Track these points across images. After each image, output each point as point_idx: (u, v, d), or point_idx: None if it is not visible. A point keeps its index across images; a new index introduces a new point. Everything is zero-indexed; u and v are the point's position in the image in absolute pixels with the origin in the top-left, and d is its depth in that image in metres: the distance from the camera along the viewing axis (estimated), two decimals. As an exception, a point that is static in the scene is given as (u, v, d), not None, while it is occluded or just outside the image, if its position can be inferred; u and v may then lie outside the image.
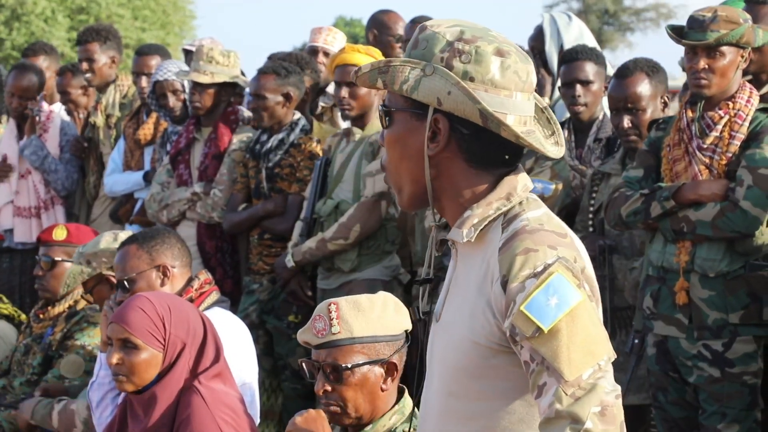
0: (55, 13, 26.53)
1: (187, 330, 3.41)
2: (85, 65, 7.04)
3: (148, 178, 6.63)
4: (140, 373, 3.36)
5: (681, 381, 4.48)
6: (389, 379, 3.20)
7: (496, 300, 2.13)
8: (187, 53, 7.65)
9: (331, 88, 6.35)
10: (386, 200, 5.48)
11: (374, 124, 5.55)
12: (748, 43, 4.36)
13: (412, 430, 2.99)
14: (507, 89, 2.17)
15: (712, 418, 4.40)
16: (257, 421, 3.73)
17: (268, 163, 5.83)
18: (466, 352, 2.17)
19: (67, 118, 7.32)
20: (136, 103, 6.98)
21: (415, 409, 2.58)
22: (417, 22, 6.79)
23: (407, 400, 3.25)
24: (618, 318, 4.83)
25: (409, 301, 5.41)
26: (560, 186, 4.90)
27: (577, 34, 5.91)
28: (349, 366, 3.16)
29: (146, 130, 6.78)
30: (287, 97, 5.78)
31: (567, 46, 5.74)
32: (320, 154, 5.76)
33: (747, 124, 4.38)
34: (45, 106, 7.20)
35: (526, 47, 6.16)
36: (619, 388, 2.09)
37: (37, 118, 7.07)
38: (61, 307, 4.92)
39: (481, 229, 2.19)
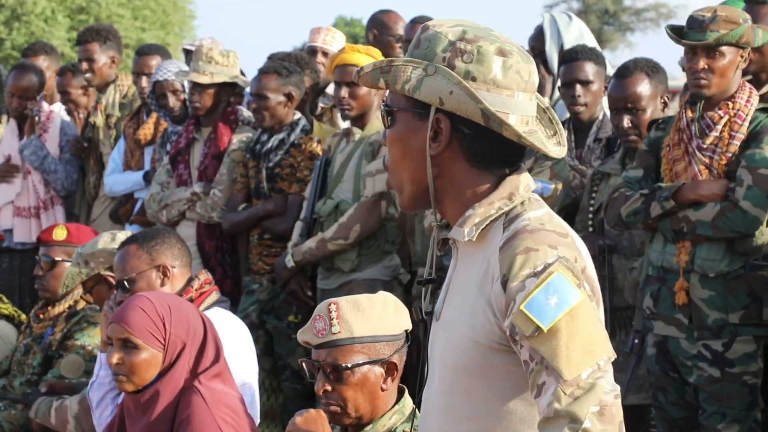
0: (55, 13, 26.54)
1: (187, 330, 3.41)
2: (84, 65, 7.04)
3: (148, 178, 6.63)
4: (140, 373, 3.36)
5: (681, 381, 4.48)
6: (389, 378, 3.20)
7: (496, 299, 2.13)
8: (188, 53, 7.66)
9: (330, 89, 6.35)
10: (386, 200, 5.48)
11: (374, 124, 5.55)
12: (747, 43, 4.36)
13: (412, 430, 2.99)
14: (509, 89, 2.17)
15: (712, 418, 4.40)
16: (257, 421, 3.73)
17: (268, 163, 5.83)
18: (467, 351, 2.18)
19: (67, 118, 7.32)
20: (136, 103, 6.98)
21: (416, 409, 2.58)
22: (417, 22, 6.79)
23: (407, 400, 3.25)
24: (618, 318, 4.83)
25: (409, 301, 5.41)
26: (560, 186, 4.90)
27: (578, 34, 5.91)
28: (349, 366, 3.16)
29: (146, 130, 6.79)
30: (289, 96, 5.78)
31: (567, 46, 5.74)
32: (320, 154, 5.76)
33: (747, 124, 4.38)
34: (45, 106, 7.20)
35: (527, 47, 6.16)
36: (618, 387, 2.09)
37: (37, 118, 7.07)
38: (61, 307, 4.92)
39: (483, 229, 2.19)
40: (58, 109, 7.34)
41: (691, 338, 4.42)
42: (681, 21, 4.53)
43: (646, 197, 4.46)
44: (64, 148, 7.15)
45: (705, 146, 4.41)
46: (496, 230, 2.19)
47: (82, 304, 4.88)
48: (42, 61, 7.54)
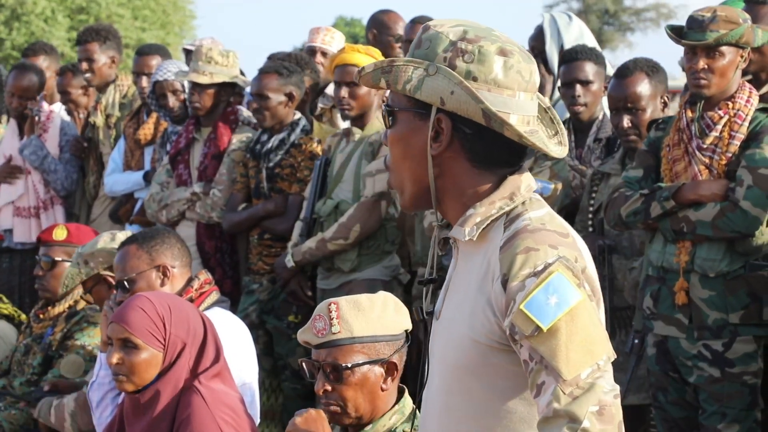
0: (55, 13, 26.53)
1: (188, 330, 3.41)
2: (84, 65, 7.05)
3: (148, 178, 6.63)
4: (140, 372, 3.36)
5: (681, 381, 4.48)
6: (389, 378, 3.20)
7: (496, 298, 2.13)
8: (188, 53, 7.66)
9: (329, 90, 6.35)
10: (386, 200, 5.48)
11: (374, 124, 5.55)
12: (747, 43, 4.36)
13: (412, 430, 2.99)
14: (510, 89, 2.17)
15: (712, 418, 4.40)
16: (257, 421, 3.73)
17: (268, 163, 5.83)
18: (466, 350, 2.18)
19: (67, 118, 7.32)
20: (136, 103, 6.98)
21: (416, 409, 2.58)
22: (417, 22, 6.79)
23: (407, 400, 3.25)
24: (618, 318, 4.83)
25: (409, 301, 5.41)
26: (559, 186, 4.90)
27: (578, 34, 5.91)
28: (349, 365, 3.16)
29: (146, 130, 6.79)
30: (290, 96, 5.78)
31: (567, 46, 5.74)
32: (321, 154, 5.76)
33: (747, 124, 4.38)
34: (45, 106, 7.20)
35: (527, 47, 6.15)
36: (617, 387, 2.09)
37: (37, 118, 7.07)
38: (61, 308, 4.92)
39: (484, 228, 2.19)
40: (58, 109, 7.34)
41: (691, 338, 4.42)
42: (681, 21, 4.53)
43: (646, 197, 4.46)
44: (64, 148, 7.15)
45: (705, 146, 4.41)
46: (497, 230, 2.19)
47: (82, 304, 4.88)
48: (42, 61, 7.54)
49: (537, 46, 6.03)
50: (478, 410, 2.19)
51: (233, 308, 5.10)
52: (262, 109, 5.77)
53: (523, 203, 2.20)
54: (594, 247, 4.70)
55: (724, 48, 4.34)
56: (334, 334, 3.18)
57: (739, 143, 4.37)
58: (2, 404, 4.83)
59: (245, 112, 6.21)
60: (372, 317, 3.20)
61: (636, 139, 4.78)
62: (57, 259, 4.94)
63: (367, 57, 5.47)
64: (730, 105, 4.40)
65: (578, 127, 5.26)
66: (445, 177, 2.22)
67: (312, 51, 7.01)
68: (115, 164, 6.90)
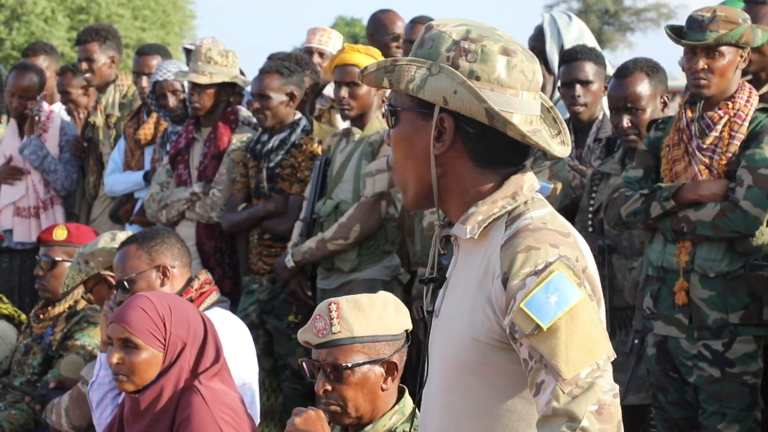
0: (55, 13, 26.53)
1: (188, 330, 3.41)
2: (84, 65, 7.05)
3: (148, 178, 6.64)
4: (140, 372, 3.36)
5: (681, 381, 4.49)
6: (389, 378, 3.20)
7: (496, 297, 2.13)
8: (188, 52, 7.65)
9: (327, 90, 6.35)
10: (386, 200, 5.48)
11: (374, 125, 5.55)
12: (747, 43, 4.36)
13: (412, 430, 2.99)
14: (513, 88, 2.18)
15: (712, 418, 4.40)
16: (257, 421, 3.73)
17: (269, 163, 5.83)
18: (466, 348, 2.18)
19: (67, 118, 7.32)
20: (136, 103, 6.98)
21: (416, 409, 2.59)
22: (417, 22, 6.79)
23: (407, 400, 3.25)
24: (618, 318, 4.83)
25: (409, 301, 5.41)
26: (559, 186, 4.89)
27: (578, 34, 5.91)
28: (350, 365, 3.16)
29: (146, 130, 6.79)
30: (291, 96, 5.79)
31: (567, 46, 5.73)
32: (321, 154, 5.76)
33: (746, 124, 4.38)
34: (45, 106, 7.21)
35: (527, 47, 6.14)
36: (617, 387, 2.09)
37: (37, 118, 7.07)
38: (61, 308, 4.92)
39: (485, 227, 2.19)
40: (58, 109, 7.35)
41: (691, 338, 4.42)
42: (681, 21, 4.53)
43: (646, 197, 4.46)
44: (64, 147, 7.15)
45: (705, 146, 4.41)
46: (498, 228, 2.19)
47: (82, 304, 4.88)
48: (42, 61, 7.55)
49: (537, 46, 6.03)
50: (478, 409, 2.19)
51: (233, 308, 5.10)
52: (263, 108, 5.77)
53: (525, 203, 2.21)
54: (594, 247, 4.70)
55: (723, 48, 4.34)
56: (335, 333, 3.18)
57: (739, 143, 4.37)
58: (2, 404, 4.83)
59: (244, 111, 6.21)
60: (372, 317, 3.20)
61: (636, 139, 4.78)
62: (57, 259, 4.94)
63: (367, 57, 5.47)
64: (730, 105, 4.40)
65: (578, 127, 5.26)
66: (448, 176, 2.22)
67: (309, 52, 7.01)
68: (115, 164, 6.90)
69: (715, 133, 4.40)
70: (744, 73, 4.53)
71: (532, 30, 6.19)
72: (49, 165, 7.02)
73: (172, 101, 6.39)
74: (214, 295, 4.10)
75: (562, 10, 15.48)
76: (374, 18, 7.25)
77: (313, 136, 5.87)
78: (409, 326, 3.29)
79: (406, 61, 2.19)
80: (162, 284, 3.99)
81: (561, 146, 2.26)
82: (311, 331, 3.22)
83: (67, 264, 4.82)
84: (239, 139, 6.06)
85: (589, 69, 5.17)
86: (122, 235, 4.40)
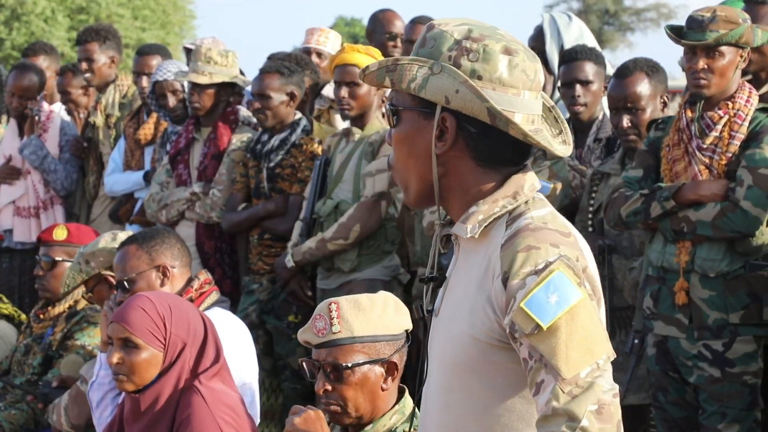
0: (55, 13, 26.53)
1: (188, 330, 3.41)
2: (84, 65, 7.05)
3: (148, 178, 6.64)
4: (141, 372, 3.36)
5: (681, 381, 4.49)
6: (389, 378, 3.20)
7: (496, 296, 2.13)
8: (189, 51, 7.65)
9: (326, 90, 6.36)
10: (386, 200, 5.48)
11: (373, 124, 5.55)
12: (747, 43, 4.36)
13: (412, 429, 2.99)
14: (515, 87, 2.18)
15: (712, 418, 4.40)
16: (257, 421, 3.73)
17: (269, 163, 5.83)
18: (466, 347, 2.18)
19: (67, 118, 7.33)
20: (136, 103, 6.98)
21: (416, 408, 2.59)
22: (417, 22, 6.79)
23: (408, 400, 3.25)
24: (618, 318, 4.83)
25: (409, 301, 5.41)
26: (559, 186, 4.89)
27: (577, 34, 5.91)
28: (350, 365, 3.16)
29: (146, 130, 6.79)
30: (291, 96, 5.79)
31: (567, 46, 5.73)
32: (321, 154, 5.76)
33: (746, 124, 4.38)
34: (45, 106, 7.21)
35: (526, 47, 6.13)
36: (617, 387, 2.09)
37: (37, 118, 7.07)
38: (61, 308, 4.92)
39: (486, 226, 2.19)
40: (58, 109, 7.35)
41: (692, 338, 4.42)
42: (681, 21, 4.53)
43: (646, 197, 4.46)
44: (63, 147, 7.15)
45: (705, 146, 4.41)
46: (499, 228, 2.19)
47: (82, 304, 4.88)
48: (42, 61, 7.55)
49: (537, 46, 6.02)
50: (478, 408, 2.19)
51: (233, 308, 5.10)
52: (263, 108, 5.77)
53: (526, 202, 2.21)
54: (594, 247, 4.70)
55: (723, 48, 4.34)
56: (335, 333, 3.18)
57: (739, 143, 4.37)
58: (2, 404, 4.83)
59: (243, 111, 6.21)
60: (372, 317, 3.20)
61: (636, 139, 4.78)
62: (57, 259, 4.94)
63: (367, 57, 5.47)
64: (730, 105, 4.40)
65: (578, 127, 5.25)
66: (450, 175, 2.22)
67: (307, 52, 7.01)
68: (115, 164, 6.90)
69: (715, 133, 4.40)
70: (744, 73, 4.53)
71: (532, 30, 6.19)
72: (49, 165, 7.02)
73: (172, 101, 6.39)
74: (214, 295, 4.10)
75: (562, 10, 15.48)
76: (373, 17, 7.27)
77: (314, 136, 5.87)
78: (410, 326, 3.29)
79: (408, 60, 2.19)
80: (162, 284, 3.99)
81: (562, 146, 2.26)
82: (311, 330, 3.22)
83: (67, 264, 4.82)
84: (239, 139, 6.05)
85: (589, 69, 5.17)
86: (123, 235, 4.40)
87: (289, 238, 5.72)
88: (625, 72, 4.80)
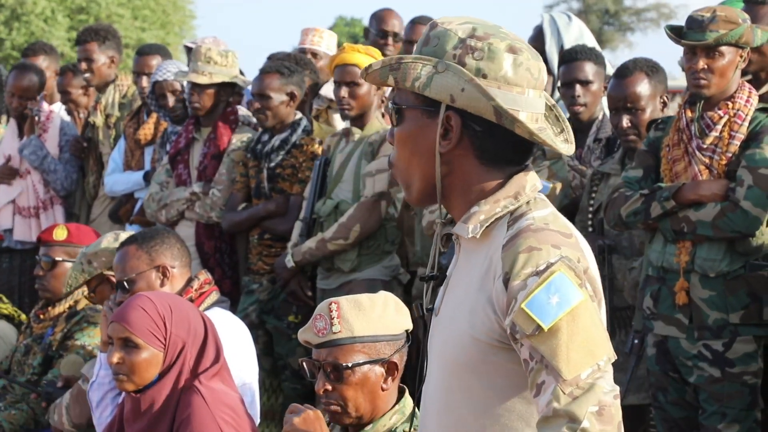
0: (55, 13, 26.53)
1: (188, 330, 3.41)
2: (84, 65, 7.05)
3: (148, 178, 6.64)
4: (141, 372, 3.36)
5: (681, 381, 4.49)
6: (390, 378, 3.20)
7: (497, 297, 2.13)
8: (189, 50, 7.66)
9: (324, 90, 6.36)
10: (386, 200, 5.48)
11: (373, 124, 5.55)
12: (747, 43, 4.36)
13: (412, 430, 2.99)
14: (519, 86, 2.18)
15: (712, 418, 4.40)
16: (257, 421, 3.73)
17: (269, 163, 5.83)
18: (466, 347, 2.18)
19: (67, 118, 7.33)
20: (136, 103, 6.98)
21: (416, 408, 2.59)
22: (417, 22, 6.80)
23: (408, 400, 3.25)
24: (618, 318, 4.83)
25: (408, 301, 5.41)
26: (558, 186, 4.89)
27: (577, 34, 5.91)
28: (350, 365, 3.16)
29: (146, 130, 6.79)
30: (291, 96, 5.79)
31: (567, 46, 5.73)
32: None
33: (746, 124, 4.38)
34: (45, 106, 7.21)
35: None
36: (617, 388, 2.09)
37: (37, 118, 7.08)
38: (61, 308, 4.92)
39: (487, 226, 2.19)
40: (58, 109, 7.35)
41: (692, 338, 4.42)
42: (681, 21, 4.53)
43: (646, 197, 4.46)
44: (63, 148, 7.15)
45: (705, 146, 4.41)
46: (500, 228, 2.19)
47: (82, 305, 4.88)
48: (42, 61, 7.55)
49: (537, 46, 6.01)
50: (477, 408, 2.19)
51: (233, 308, 5.10)
52: (263, 109, 5.77)
53: (528, 203, 2.21)
54: (594, 247, 4.70)
55: (723, 48, 4.34)
56: (335, 333, 3.18)
57: (739, 143, 4.37)
58: (2, 404, 4.83)
59: (243, 110, 6.21)
60: (373, 317, 3.20)
61: (635, 139, 4.78)
62: (57, 259, 4.94)
63: (367, 57, 5.47)
64: (730, 105, 4.40)
65: (578, 127, 5.25)
66: (454, 175, 2.22)
67: (303, 53, 7.01)
68: (115, 164, 6.90)
69: (715, 133, 4.40)
70: (744, 73, 4.53)
71: (531, 30, 6.19)
72: (49, 165, 7.02)
73: (171, 101, 6.40)
74: (214, 295, 4.10)
75: (562, 10, 15.49)
76: (373, 15, 7.28)
77: (314, 137, 5.87)
78: (410, 326, 3.29)
79: (412, 58, 2.19)
80: (162, 284, 3.99)
81: (565, 144, 2.26)
82: (311, 330, 3.22)
83: (67, 264, 4.82)
84: (239, 139, 6.06)
85: (589, 69, 5.17)
86: (125, 236, 4.40)
87: (289, 238, 5.72)
88: (625, 72, 4.80)
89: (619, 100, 4.79)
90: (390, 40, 7.04)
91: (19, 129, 7.17)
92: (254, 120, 6.03)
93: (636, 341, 4.64)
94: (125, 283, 3.98)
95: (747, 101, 4.40)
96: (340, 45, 6.14)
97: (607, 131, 5.20)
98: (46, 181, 7.08)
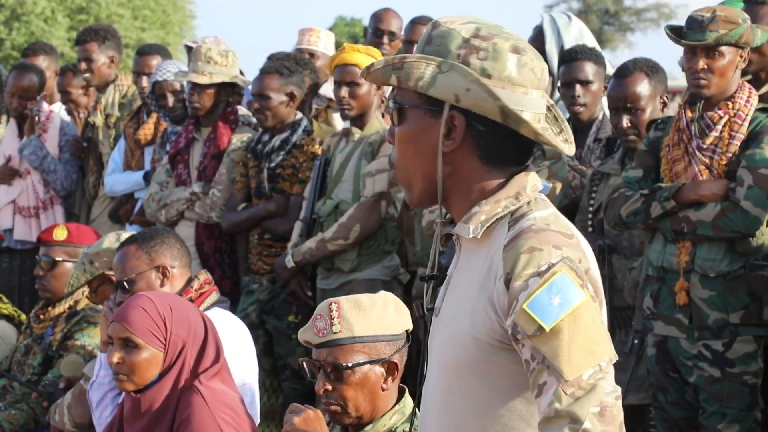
0: (55, 13, 26.53)
1: (188, 330, 3.41)
2: (83, 65, 7.05)
3: (148, 178, 6.64)
4: (141, 372, 3.36)
5: (681, 381, 4.49)
6: (390, 378, 3.21)
7: (498, 297, 2.13)
8: (190, 50, 7.65)
9: (323, 90, 6.36)
10: (386, 200, 5.48)
11: (373, 124, 5.55)
12: (747, 43, 4.36)
13: (412, 430, 2.99)
14: (523, 86, 2.17)
15: (712, 418, 4.40)
16: (257, 421, 3.73)
17: (270, 163, 5.83)
18: (467, 348, 2.18)
19: (67, 118, 7.33)
20: (136, 103, 6.99)
21: (416, 408, 2.59)
22: (417, 23, 6.80)
23: (408, 400, 3.26)
24: (618, 318, 4.83)
25: (408, 301, 5.41)
26: (558, 186, 4.89)
27: (577, 34, 5.91)
28: (350, 365, 3.16)
29: (146, 130, 6.79)
30: (291, 96, 5.79)
31: (567, 46, 5.73)
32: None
33: (746, 124, 4.38)
34: (45, 106, 7.21)
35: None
36: (619, 389, 2.08)
37: (37, 118, 7.08)
38: (61, 308, 4.92)
39: (488, 227, 2.19)
40: (58, 109, 7.35)
41: (692, 338, 4.42)
42: (681, 21, 4.54)
43: (647, 197, 4.46)
44: (63, 148, 7.15)
45: (705, 146, 4.41)
46: (501, 228, 2.19)
47: (82, 304, 4.88)
48: (42, 61, 7.55)
49: (537, 46, 6.01)
50: (478, 408, 2.19)
51: (233, 308, 5.10)
52: (263, 109, 5.77)
53: (529, 203, 2.20)
54: (594, 247, 4.70)
55: (723, 48, 4.34)
56: (335, 333, 3.18)
57: (739, 143, 4.37)
58: (2, 404, 4.83)
59: (242, 110, 6.21)
60: (373, 317, 3.20)
61: (635, 139, 4.78)
62: (57, 259, 4.94)
63: (367, 57, 5.47)
64: (730, 105, 4.40)
65: (578, 127, 5.25)
66: (456, 174, 2.22)
67: (300, 53, 7.01)
68: (115, 164, 6.90)
69: (715, 133, 4.40)
70: (744, 73, 4.53)
71: (531, 30, 6.19)
72: (49, 165, 7.02)
73: (171, 101, 6.40)
74: (214, 295, 4.10)
75: (562, 10, 15.49)
76: (372, 15, 7.29)
77: (315, 137, 5.87)
78: (410, 326, 3.29)
79: (415, 58, 2.18)
80: (162, 284, 3.99)
81: (565, 144, 2.26)
82: (312, 330, 3.22)
83: (68, 264, 4.82)
84: (239, 139, 6.06)
85: (589, 69, 5.17)
86: (126, 236, 4.40)
87: (289, 239, 5.72)
88: (625, 72, 4.80)
89: (619, 100, 4.79)
90: (385, 39, 7.04)
91: (19, 129, 7.17)
92: (254, 120, 6.03)
93: (636, 341, 4.64)
94: (125, 283, 3.98)
95: (747, 101, 4.40)
96: (339, 45, 6.14)
97: (607, 131, 5.20)
98: (46, 181, 7.08)
